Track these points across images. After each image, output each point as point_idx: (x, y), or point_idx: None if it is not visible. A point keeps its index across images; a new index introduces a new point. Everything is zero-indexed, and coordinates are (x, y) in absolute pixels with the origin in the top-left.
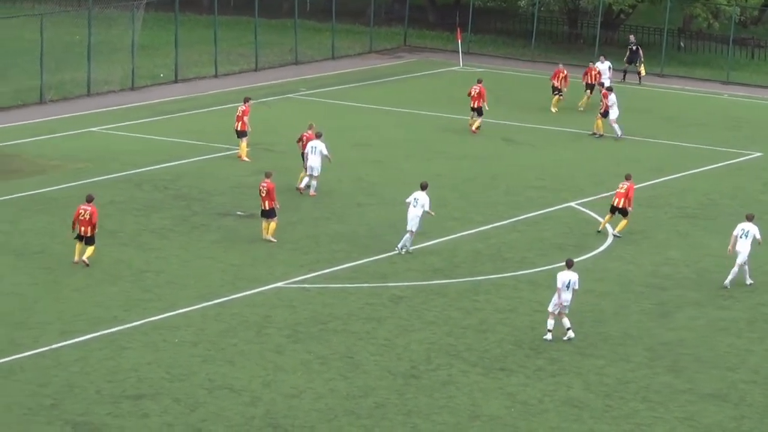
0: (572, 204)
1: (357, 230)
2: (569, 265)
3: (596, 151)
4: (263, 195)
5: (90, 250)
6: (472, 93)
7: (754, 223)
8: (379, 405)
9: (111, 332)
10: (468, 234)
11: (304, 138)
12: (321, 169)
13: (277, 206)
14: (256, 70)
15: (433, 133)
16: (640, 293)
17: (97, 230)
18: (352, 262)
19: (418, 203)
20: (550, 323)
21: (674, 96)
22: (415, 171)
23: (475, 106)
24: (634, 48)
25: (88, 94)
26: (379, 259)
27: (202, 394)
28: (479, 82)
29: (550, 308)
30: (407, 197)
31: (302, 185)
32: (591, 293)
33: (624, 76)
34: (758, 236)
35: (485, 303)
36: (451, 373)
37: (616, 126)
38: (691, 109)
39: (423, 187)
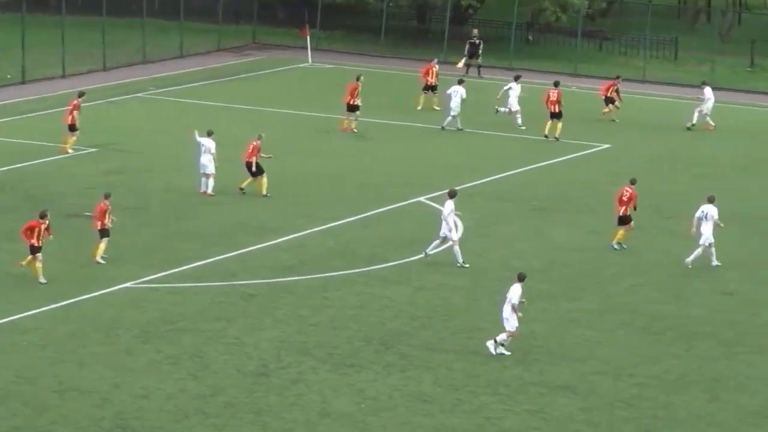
0: (421, 198)
1: (206, 229)
2: (521, 278)
3: (446, 145)
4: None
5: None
6: (551, 98)
7: (714, 206)
8: (229, 404)
9: None
10: (318, 230)
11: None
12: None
13: (110, 225)
14: (104, 69)
15: (283, 131)
16: (490, 286)
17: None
18: (202, 260)
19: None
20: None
21: (523, 89)
22: (265, 168)
23: (556, 110)
24: (477, 42)
25: None
26: (228, 257)
27: (51, 396)
28: (556, 85)
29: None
30: (445, 211)
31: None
32: (442, 287)
33: (467, 70)
34: (716, 218)
35: (335, 300)
36: (302, 370)
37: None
38: (540, 102)
39: (452, 195)
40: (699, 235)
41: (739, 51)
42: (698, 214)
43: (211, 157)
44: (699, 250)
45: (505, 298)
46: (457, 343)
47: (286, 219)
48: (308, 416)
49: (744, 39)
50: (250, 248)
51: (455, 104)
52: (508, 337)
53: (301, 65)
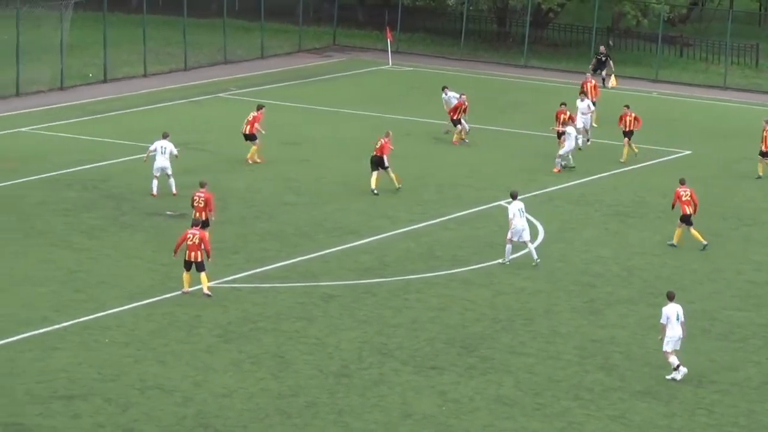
0: (502, 203)
1: (285, 229)
2: (671, 297)
3: (527, 149)
4: (200, 206)
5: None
6: (627, 119)
7: None
8: (311, 404)
9: (40, 333)
10: (399, 232)
11: None
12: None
13: (212, 217)
14: (185, 69)
15: (361, 132)
16: (570, 291)
17: (209, 258)
18: (283, 261)
19: (523, 213)
20: (673, 360)
21: (605, 94)
22: (343, 170)
23: (630, 128)
24: (603, 59)
25: (17, 95)
26: (309, 258)
27: (133, 394)
28: (627, 107)
29: (668, 348)
30: (509, 213)
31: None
32: (522, 291)
33: (604, 81)
34: None
35: (416, 302)
36: (383, 371)
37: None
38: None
39: (515, 197)
40: None
41: None
42: None
43: (171, 157)
44: None
45: (672, 321)
46: (537, 347)
47: (366, 220)
48: (389, 417)
49: None
50: (331, 249)
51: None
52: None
53: (381, 67)
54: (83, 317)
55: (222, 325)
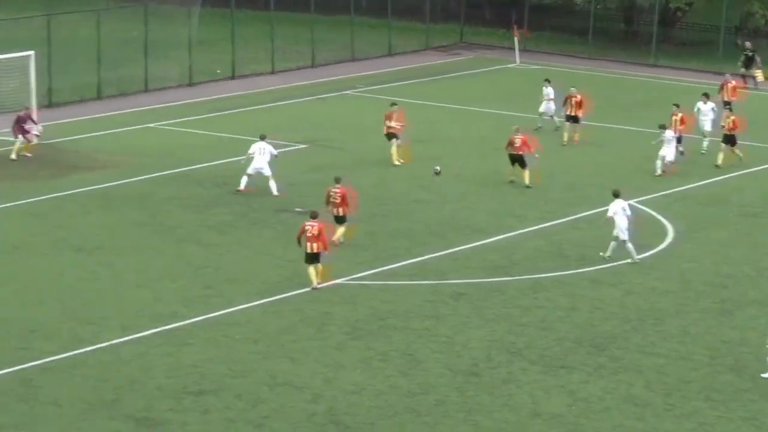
0: (631, 202)
1: (415, 227)
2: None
3: (656, 149)
4: (337, 201)
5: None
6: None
7: None
8: (440, 402)
9: (171, 328)
10: (527, 231)
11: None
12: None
13: (349, 212)
14: (312, 66)
15: (490, 131)
16: (700, 291)
17: (326, 250)
18: (412, 259)
19: (625, 211)
20: None
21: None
22: (472, 168)
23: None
24: (751, 54)
25: (146, 90)
26: (438, 256)
27: (263, 390)
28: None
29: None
30: (609, 211)
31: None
32: (652, 291)
33: (745, 80)
34: None
35: (545, 300)
36: (512, 370)
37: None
38: (757, 107)
39: (616, 195)
40: None
41: None
42: None
43: (271, 159)
44: None
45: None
46: (667, 347)
47: (495, 219)
48: (519, 416)
49: None
50: (460, 248)
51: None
52: None
53: (508, 66)
54: (212, 313)
55: (351, 322)
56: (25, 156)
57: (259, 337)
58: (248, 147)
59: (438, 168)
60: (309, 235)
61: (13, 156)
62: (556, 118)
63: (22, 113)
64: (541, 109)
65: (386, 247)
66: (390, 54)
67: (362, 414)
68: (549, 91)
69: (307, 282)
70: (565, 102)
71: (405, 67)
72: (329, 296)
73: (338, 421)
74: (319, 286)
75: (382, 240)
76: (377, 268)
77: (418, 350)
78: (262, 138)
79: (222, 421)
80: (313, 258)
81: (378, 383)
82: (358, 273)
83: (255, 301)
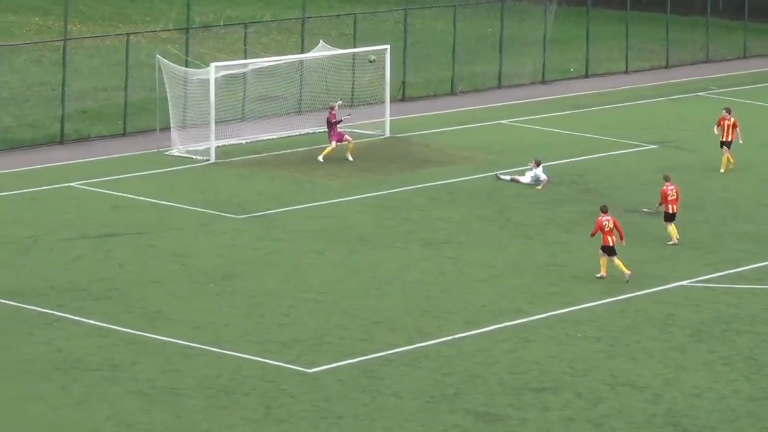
0: None
1: (763, 231)
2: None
3: None
4: (673, 198)
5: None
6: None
7: None
8: None
9: (514, 324)
10: None
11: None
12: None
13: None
14: (667, 67)
15: None
16: None
17: (622, 241)
18: (759, 263)
19: None
20: None
21: None
22: None
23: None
24: None
25: (499, 87)
26: None
27: (604, 389)
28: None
29: None
30: None
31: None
32: None
33: None
34: None
35: None
36: None
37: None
38: None
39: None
40: None
41: None
42: None
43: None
44: None
45: None
46: None
47: None
48: None
49: None
50: None
51: None
52: None
53: None
54: (556, 310)
55: (694, 325)
56: (348, 159)
57: (602, 335)
58: (598, 146)
59: (373, 57)
60: (607, 229)
61: (320, 158)
62: None
63: (329, 115)
64: None
65: (732, 250)
66: (745, 56)
67: (702, 417)
68: None
69: (654, 282)
70: None
71: (760, 69)
72: (673, 298)
73: (678, 423)
74: (628, 273)
75: (729, 243)
76: (722, 271)
77: (762, 355)
78: (538, 164)
79: (561, 418)
80: (610, 251)
81: (720, 387)
82: (703, 275)
83: (599, 299)
